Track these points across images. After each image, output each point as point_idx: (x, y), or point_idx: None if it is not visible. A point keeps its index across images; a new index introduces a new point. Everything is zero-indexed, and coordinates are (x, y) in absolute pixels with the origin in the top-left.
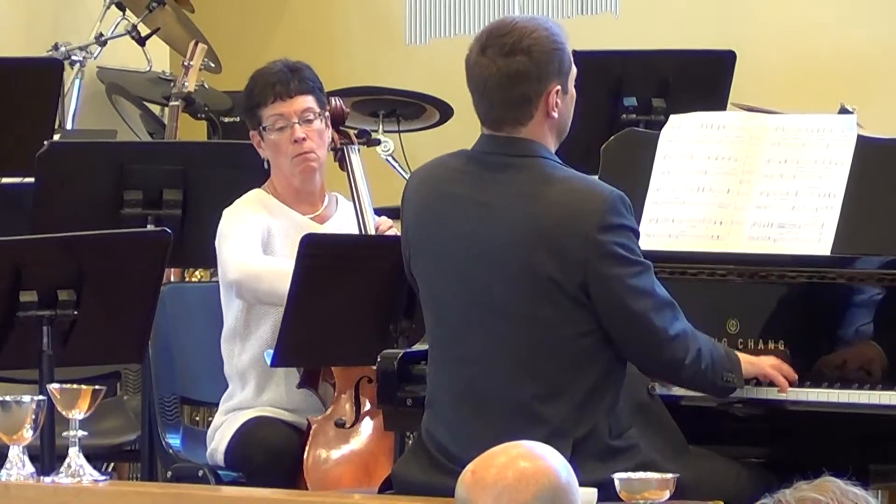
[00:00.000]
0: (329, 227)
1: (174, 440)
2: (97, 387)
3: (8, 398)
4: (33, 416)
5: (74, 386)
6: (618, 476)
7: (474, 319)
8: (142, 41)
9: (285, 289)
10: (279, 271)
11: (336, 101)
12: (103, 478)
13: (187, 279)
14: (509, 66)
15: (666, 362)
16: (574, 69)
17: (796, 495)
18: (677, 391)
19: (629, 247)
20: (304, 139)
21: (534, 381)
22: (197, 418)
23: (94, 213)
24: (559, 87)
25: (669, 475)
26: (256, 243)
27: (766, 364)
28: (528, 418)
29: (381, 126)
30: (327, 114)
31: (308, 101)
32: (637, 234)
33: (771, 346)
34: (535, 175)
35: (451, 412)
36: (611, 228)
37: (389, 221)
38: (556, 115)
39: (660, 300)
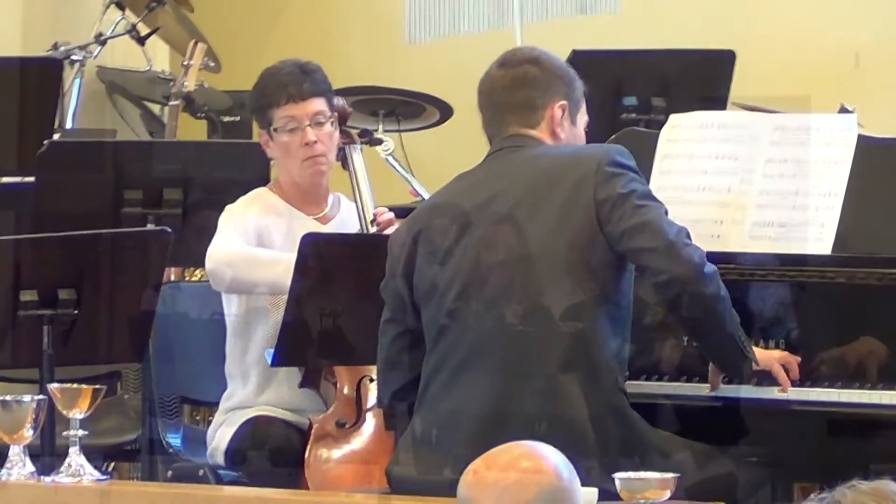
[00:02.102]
0: (331, 228)
1: (174, 440)
2: (97, 386)
3: (8, 398)
4: (33, 416)
5: (74, 385)
6: (618, 476)
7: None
8: (141, 40)
9: (258, 276)
10: (251, 258)
11: (338, 101)
12: (103, 477)
13: (187, 279)
14: (517, 72)
15: (684, 260)
16: (584, 109)
17: (854, 497)
18: (671, 390)
19: (640, 182)
20: (315, 142)
21: (549, 318)
22: (197, 418)
23: (94, 212)
24: (565, 104)
25: (669, 475)
26: (244, 238)
27: (775, 357)
28: (536, 355)
29: (380, 125)
30: (336, 116)
31: (320, 104)
32: (645, 180)
33: (771, 345)
34: (539, 148)
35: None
36: (620, 165)
37: (390, 213)
38: (561, 135)
39: (673, 222)
